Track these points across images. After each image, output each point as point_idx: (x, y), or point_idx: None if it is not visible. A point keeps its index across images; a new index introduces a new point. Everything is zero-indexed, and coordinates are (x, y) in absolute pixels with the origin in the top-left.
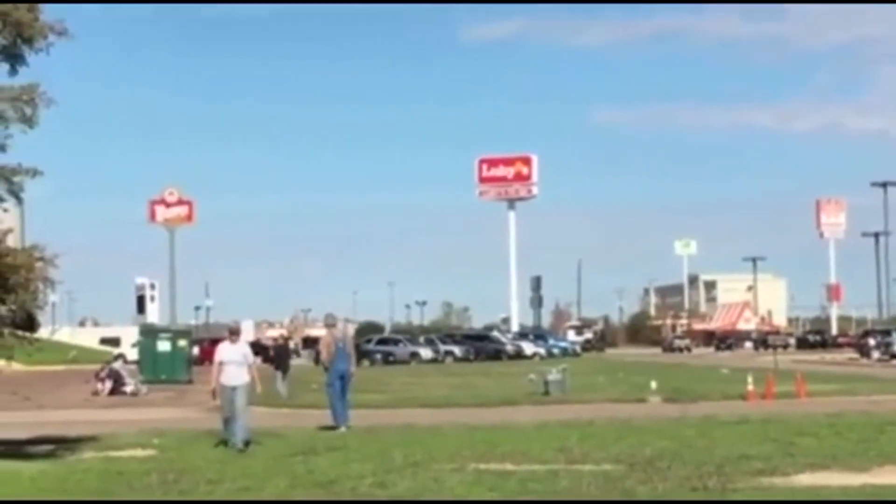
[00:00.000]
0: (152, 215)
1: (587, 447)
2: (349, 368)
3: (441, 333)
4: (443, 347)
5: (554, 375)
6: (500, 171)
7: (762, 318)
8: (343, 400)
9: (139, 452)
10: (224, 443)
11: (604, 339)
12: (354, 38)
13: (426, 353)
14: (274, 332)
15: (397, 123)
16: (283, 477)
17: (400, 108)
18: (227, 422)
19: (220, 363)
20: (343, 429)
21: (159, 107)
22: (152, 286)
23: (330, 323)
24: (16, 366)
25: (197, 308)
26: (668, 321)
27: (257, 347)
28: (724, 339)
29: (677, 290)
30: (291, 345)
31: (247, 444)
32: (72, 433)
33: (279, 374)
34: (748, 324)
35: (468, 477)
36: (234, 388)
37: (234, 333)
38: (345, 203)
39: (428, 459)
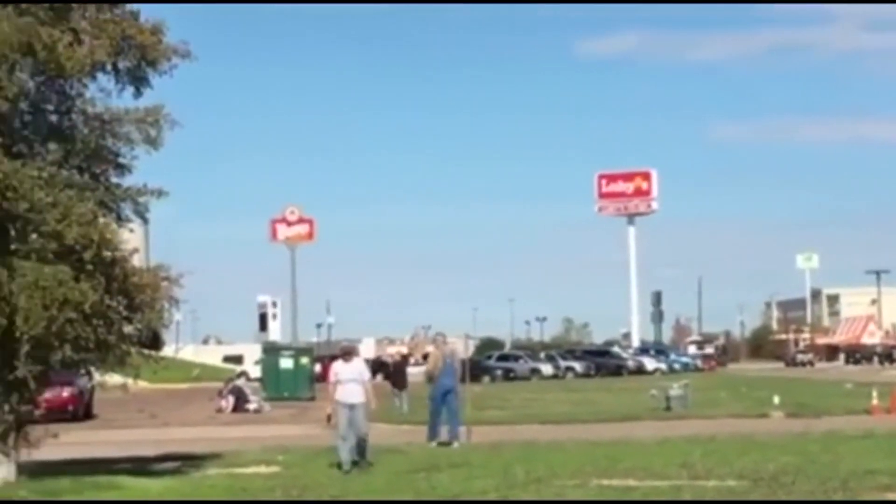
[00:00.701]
0: (274, 234)
1: (710, 463)
2: (454, 385)
3: (561, 349)
4: (563, 363)
5: (675, 391)
6: (619, 186)
7: (886, 332)
8: (451, 416)
9: (263, 469)
10: (339, 465)
11: (725, 354)
12: (472, 53)
13: (547, 369)
14: (393, 349)
15: (516, 139)
16: (407, 493)
17: (518, 124)
18: (344, 441)
19: (337, 382)
20: (433, 444)
21: (279, 125)
22: (274, 304)
23: (439, 340)
24: (141, 383)
25: (318, 325)
26: (791, 335)
27: (378, 364)
28: (854, 353)
29: (799, 304)
30: (412, 361)
31: (355, 463)
32: (196, 450)
33: (397, 391)
34: (872, 338)
35: (591, 493)
36: (351, 407)
37: (347, 353)
38: (464, 219)
39: (550, 475)
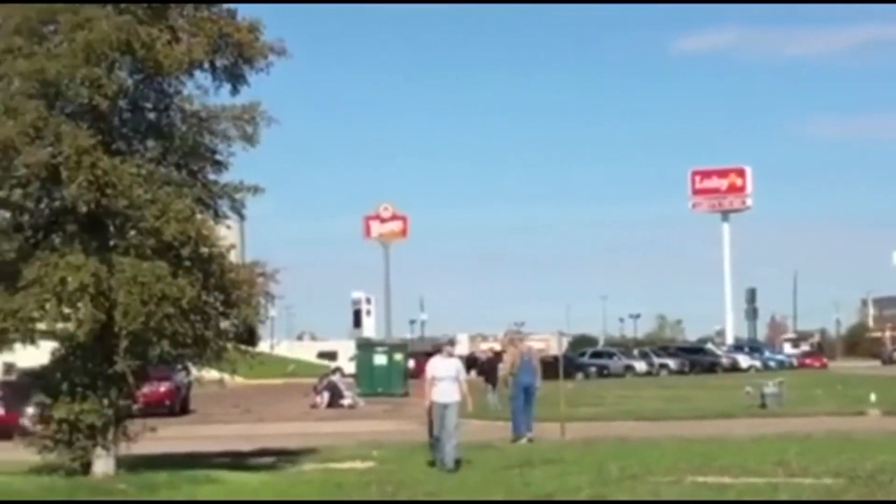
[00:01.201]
0: (367, 231)
1: (806, 461)
2: (534, 382)
3: (655, 346)
4: (657, 360)
5: (770, 388)
6: (713, 182)
7: None
8: (527, 412)
9: (358, 465)
10: (432, 463)
11: (821, 352)
12: (567, 52)
13: (640, 365)
14: (486, 346)
15: (610, 137)
16: (500, 489)
17: (611, 122)
18: (438, 440)
19: (433, 379)
20: (525, 440)
21: (374, 123)
22: (368, 300)
23: (515, 339)
24: (237, 379)
25: (412, 322)
26: (887, 333)
27: (471, 360)
28: None
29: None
30: (505, 358)
31: (457, 462)
32: (291, 445)
33: (490, 387)
34: None
35: (685, 490)
36: (445, 406)
37: (445, 349)
38: (557, 216)
39: (644, 472)
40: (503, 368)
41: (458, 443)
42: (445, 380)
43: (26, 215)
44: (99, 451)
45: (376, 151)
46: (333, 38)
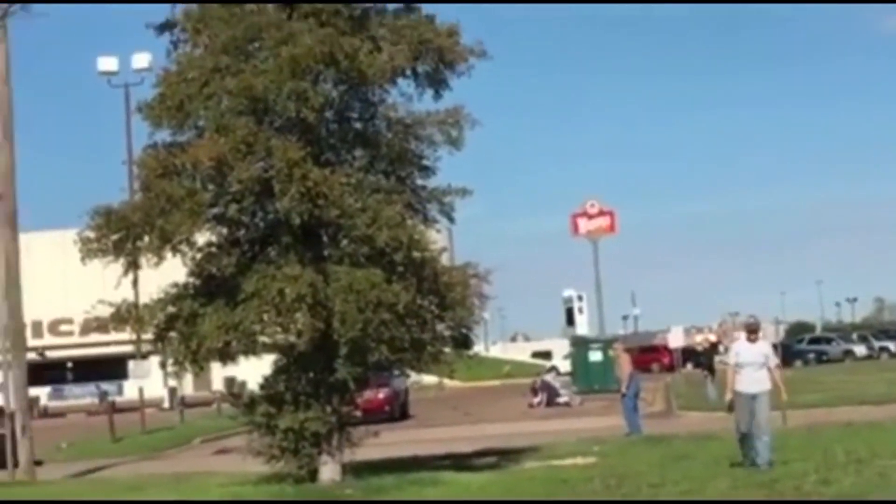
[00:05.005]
0: (575, 228)
1: None
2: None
3: (874, 329)
4: (877, 343)
5: None
6: None
7: None
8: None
9: (580, 460)
10: (740, 463)
11: None
12: (775, 41)
13: (860, 350)
14: (700, 338)
15: (819, 119)
16: (724, 479)
17: (817, 105)
18: (744, 437)
19: (737, 365)
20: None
21: (575, 120)
22: (580, 298)
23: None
24: (453, 382)
25: (624, 317)
26: None
27: (688, 353)
28: None
29: None
30: (721, 349)
31: (770, 463)
32: (512, 445)
33: (709, 379)
34: None
35: None
36: (753, 397)
37: (752, 331)
38: (769, 203)
39: (871, 455)
40: (622, 372)
41: (770, 440)
42: (752, 366)
43: (242, 230)
44: (324, 457)
45: (581, 148)
46: (531, 36)
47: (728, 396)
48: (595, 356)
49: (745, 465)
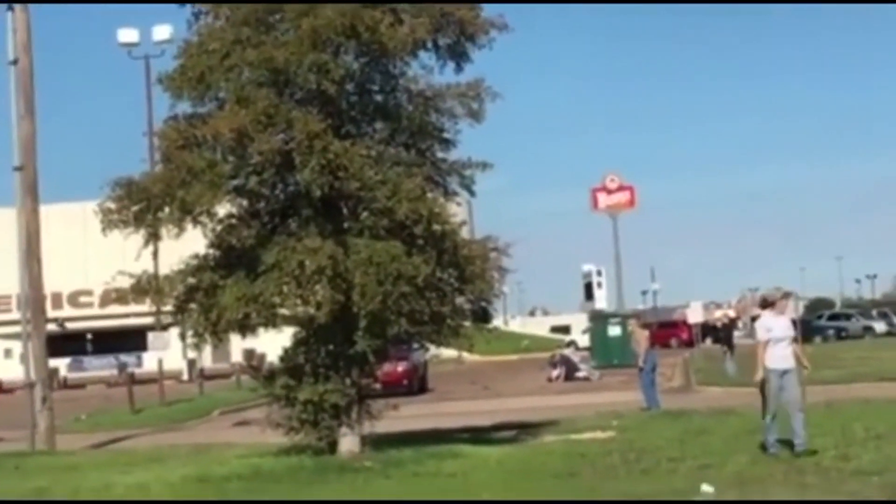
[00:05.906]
0: (594, 203)
1: None
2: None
3: (894, 306)
4: None
5: None
6: None
7: None
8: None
9: (599, 434)
10: (763, 447)
11: None
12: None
13: (880, 326)
14: (719, 313)
15: (842, 96)
16: (743, 454)
17: (839, 80)
18: (774, 417)
19: (768, 342)
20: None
21: (596, 93)
22: (599, 273)
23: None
24: (472, 356)
25: (643, 292)
26: None
27: (707, 328)
28: None
29: None
30: (739, 324)
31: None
32: (531, 418)
33: (728, 354)
34: None
35: None
36: (784, 373)
37: (774, 304)
38: (788, 179)
39: (891, 432)
40: (639, 346)
41: (804, 416)
42: (784, 341)
43: (262, 202)
44: (344, 429)
45: (601, 122)
46: (551, 8)
47: (759, 375)
48: (614, 331)
49: (776, 451)
